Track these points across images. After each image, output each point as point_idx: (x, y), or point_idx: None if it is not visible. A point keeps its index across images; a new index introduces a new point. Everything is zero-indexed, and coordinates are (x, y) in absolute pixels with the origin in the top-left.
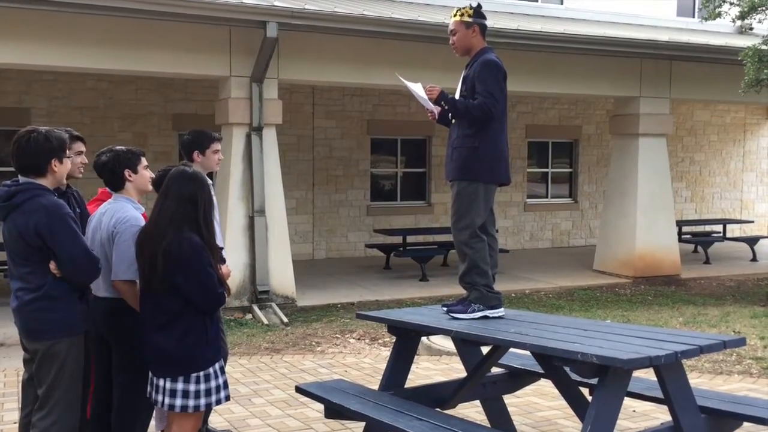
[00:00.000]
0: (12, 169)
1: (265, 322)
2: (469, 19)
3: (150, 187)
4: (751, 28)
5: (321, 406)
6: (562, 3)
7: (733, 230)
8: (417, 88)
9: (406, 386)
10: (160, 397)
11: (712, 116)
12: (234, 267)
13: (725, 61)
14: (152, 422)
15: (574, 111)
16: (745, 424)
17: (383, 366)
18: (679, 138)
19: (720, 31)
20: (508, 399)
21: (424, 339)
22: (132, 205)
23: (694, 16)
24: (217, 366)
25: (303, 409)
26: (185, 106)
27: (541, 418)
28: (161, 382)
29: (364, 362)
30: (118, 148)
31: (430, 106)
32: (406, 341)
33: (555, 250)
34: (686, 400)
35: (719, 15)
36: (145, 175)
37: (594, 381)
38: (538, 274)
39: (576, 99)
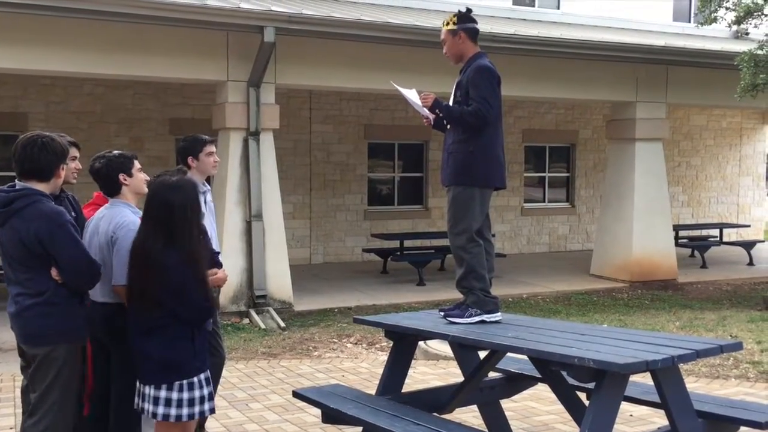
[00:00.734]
0: (6, 174)
1: (262, 326)
2: (454, 27)
3: (146, 189)
4: (747, 33)
5: (318, 411)
6: (558, 8)
7: (729, 234)
8: (411, 95)
9: (403, 391)
10: (144, 405)
11: (709, 121)
12: (231, 272)
13: (721, 65)
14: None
15: (571, 115)
16: (742, 428)
17: (380, 371)
18: (675, 142)
19: (716, 36)
20: (506, 403)
21: (421, 343)
22: (130, 209)
23: (690, 21)
24: (202, 376)
25: (300, 414)
26: (182, 110)
27: (539, 423)
28: (146, 389)
29: (361, 367)
30: (109, 153)
31: (425, 112)
32: (404, 346)
33: (552, 255)
34: (683, 404)
35: (715, 20)
36: (140, 177)
37: (591, 385)
38: (535, 278)
39: (573, 103)
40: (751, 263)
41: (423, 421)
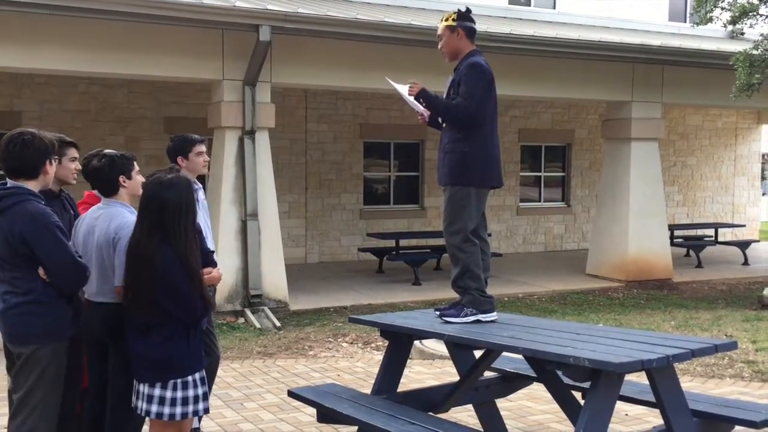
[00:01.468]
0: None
1: (258, 326)
2: (453, 23)
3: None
4: (743, 33)
5: (313, 411)
6: (554, 7)
7: (724, 234)
8: (406, 91)
9: (398, 390)
10: (139, 403)
11: (704, 120)
12: (226, 271)
13: (717, 65)
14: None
15: (567, 115)
16: (737, 427)
17: (376, 370)
18: (671, 142)
19: (711, 36)
20: (501, 403)
21: (416, 343)
22: (127, 209)
23: (685, 21)
24: (197, 376)
25: (295, 413)
26: (178, 109)
27: (534, 422)
28: (140, 387)
29: (356, 366)
30: (109, 152)
31: (420, 108)
32: (399, 345)
33: (548, 254)
34: (678, 403)
35: (711, 20)
36: (138, 180)
37: (586, 385)
38: (531, 277)
39: (568, 103)
40: (746, 263)
41: (418, 421)
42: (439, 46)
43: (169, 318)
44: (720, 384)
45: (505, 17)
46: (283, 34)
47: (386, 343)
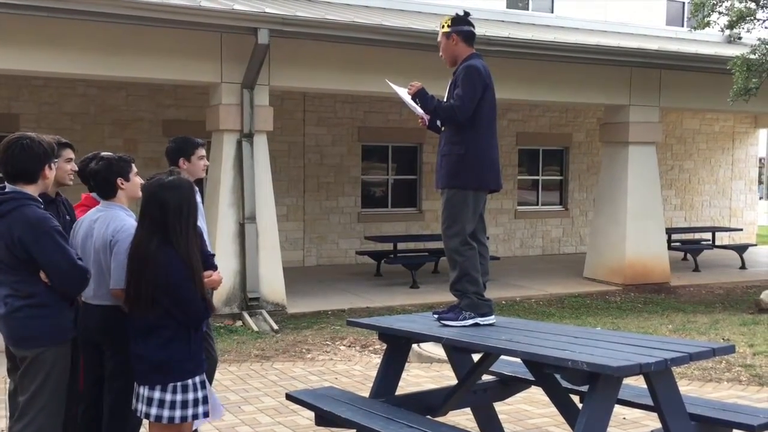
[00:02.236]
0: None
1: (255, 329)
2: (448, 29)
3: (140, 194)
4: (740, 38)
5: (311, 414)
6: (552, 11)
7: (722, 238)
8: (406, 93)
9: (396, 393)
10: (139, 405)
11: (701, 124)
12: (224, 274)
13: (714, 70)
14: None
15: (565, 119)
16: (734, 431)
17: (374, 373)
18: (668, 146)
19: (709, 41)
20: (499, 406)
21: (414, 346)
22: (125, 212)
23: (683, 26)
24: (197, 379)
25: (293, 416)
26: (176, 112)
27: (532, 426)
28: (140, 390)
29: (354, 369)
30: (106, 155)
31: (419, 111)
32: (397, 348)
33: (545, 258)
34: (676, 407)
35: (708, 24)
36: (136, 182)
37: (584, 388)
38: (529, 281)
39: (566, 107)
40: (743, 267)
41: (416, 424)
42: (440, 53)
43: (170, 320)
44: (717, 388)
45: (503, 21)
46: (282, 37)
47: (384, 346)
